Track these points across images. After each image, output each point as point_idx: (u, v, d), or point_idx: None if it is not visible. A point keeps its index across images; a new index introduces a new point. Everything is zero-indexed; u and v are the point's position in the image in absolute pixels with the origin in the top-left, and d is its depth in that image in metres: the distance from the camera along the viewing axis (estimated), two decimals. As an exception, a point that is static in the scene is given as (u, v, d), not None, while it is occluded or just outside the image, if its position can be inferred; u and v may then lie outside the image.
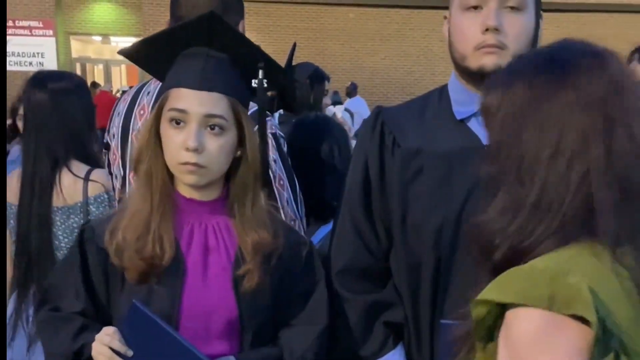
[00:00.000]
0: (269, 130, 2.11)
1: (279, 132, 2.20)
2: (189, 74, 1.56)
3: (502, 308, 1.05)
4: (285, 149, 2.22)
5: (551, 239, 1.08)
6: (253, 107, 2.16)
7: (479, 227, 1.17)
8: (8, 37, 18.37)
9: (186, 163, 1.53)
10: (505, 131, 1.15)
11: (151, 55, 1.66)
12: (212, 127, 1.55)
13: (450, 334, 1.39)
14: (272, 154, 2.11)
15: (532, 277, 1.02)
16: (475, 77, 1.68)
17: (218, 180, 1.62)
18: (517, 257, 1.09)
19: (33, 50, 18.51)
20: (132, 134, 2.12)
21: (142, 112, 2.11)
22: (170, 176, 1.61)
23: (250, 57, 1.63)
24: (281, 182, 2.12)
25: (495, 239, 1.13)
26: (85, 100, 2.70)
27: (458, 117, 1.73)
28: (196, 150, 1.52)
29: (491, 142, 1.21)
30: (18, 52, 18.38)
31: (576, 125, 1.08)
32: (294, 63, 4.07)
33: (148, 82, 2.19)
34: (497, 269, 1.11)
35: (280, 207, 2.10)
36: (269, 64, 1.66)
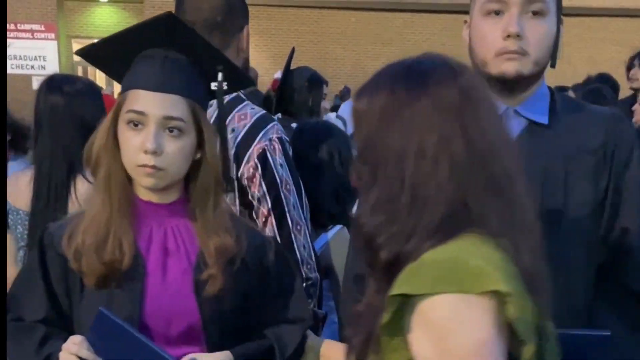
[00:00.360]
0: (274, 135, 2.12)
1: (284, 136, 2.20)
2: (147, 76, 1.54)
3: (407, 302, 1.14)
4: (290, 153, 2.22)
5: (435, 235, 1.16)
6: (259, 112, 2.16)
7: (360, 227, 1.24)
8: (10, 41, 18.40)
9: (144, 165, 1.52)
10: (372, 135, 1.24)
11: (109, 56, 1.64)
12: (170, 130, 1.53)
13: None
14: (279, 158, 2.11)
15: (437, 267, 1.12)
16: (495, 82, 1.67)
17: (177, 182, 1.61)
18: (405, 255, 1.17)
19: (35, 54, 18.52)
20: None
21: None
22: (129, 179, 1.59)
23: (210, 59, 1.62)
24: (287, 187, 2.12)
25: (377, 237, 1.20)
26: (99, 103, 2.69)
27: None
28: (155, 153, 1.50)
29: (360, 145, 1.29)
30: (20, 56, 18.38)
31: (435, 128, 1.19)
32: (294, 67, 4.08)
33: None
34: (388, 268, 1.19)
35: (287, 212, 2.10)
36: (229, 67, 1.65)
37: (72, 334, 1.54)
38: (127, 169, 1.56)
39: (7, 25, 18.47)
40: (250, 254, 1.65)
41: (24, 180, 2.58)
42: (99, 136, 1.57)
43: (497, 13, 1.65)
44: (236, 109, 2.12)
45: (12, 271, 2.78)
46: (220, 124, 1.68)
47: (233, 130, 2.07)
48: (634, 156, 1.71)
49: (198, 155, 1.60)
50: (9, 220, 2.64)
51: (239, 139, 2.07)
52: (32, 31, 18.61)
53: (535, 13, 1.64)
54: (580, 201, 1.66)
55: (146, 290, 1.55)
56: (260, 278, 1.68)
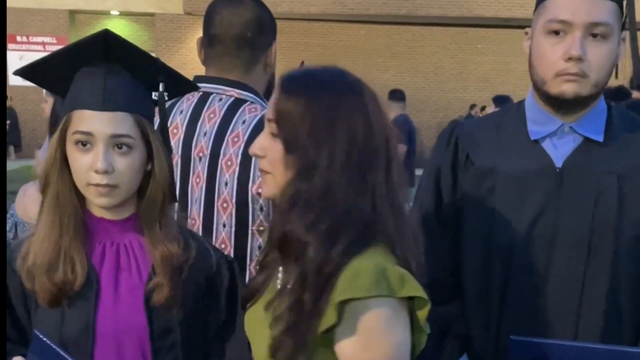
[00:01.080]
0: None
1: None
2: (90, 94, 1.52)
3: (345, 306, 1.23)
4: None
5: (357, 244, 1.25)
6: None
7: (289, 235, 1.29)
8: (21, 53, 18.58)
9: (97, 185, 1.51)
10: (298, 142, 1.31)
11: (49, 75, 1.62)
12: (119, 147, 1.51)
13: (521, 349, 1.50)
14: None
15: (369, 273, 1.22)
16: (553, 101, 1.69)
17: (130, 198, 1.60)
18: (330, 262, 1.24)
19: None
20: (222, 159, 2.09)
21: (175, 130, 2.10)
22: (79, 196, 1.58)
23: (151, 70, 1.60)
24: None
25: (306, 247, 1.26)
26: None
27: (532, 138, 1.74)
28: (106, 172, 1.49)
29: (286, 147, 1.33)
30: (31, 68, 18.58)
31: (360, 148, 1.29)
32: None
33: (180, 99, 2.18)
34: (319, 271, 1.26)
35: None
36: (170, 76, 1.64)
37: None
38: (79, 187, 1.55)
39: (20, 37, 18.66)
40: (199, 264, 1.65)
41: (31, 193, 2.60)
42: (48, 156, 1.56)
43: (558, 33, 1.65)
44: None
45: None
46: (163, 134, 1.65)
47: None
48: None
49: (149, 167, 1.60)
50: (18, 232, 2.65)
51: None
52: (44, 44, 18.79)
53: (597, 36, 1.63)
54: (634, 219, 1.65)
55: (98, 308, 1.54)
56: (208, 291, 1.68)
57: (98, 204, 1.55)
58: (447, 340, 1.83)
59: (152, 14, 19.13)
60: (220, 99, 2.16)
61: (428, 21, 18.82)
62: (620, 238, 1.63)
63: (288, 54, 18.66)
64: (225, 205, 2.08)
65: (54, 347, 1.45)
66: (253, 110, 2.13)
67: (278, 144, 1.34)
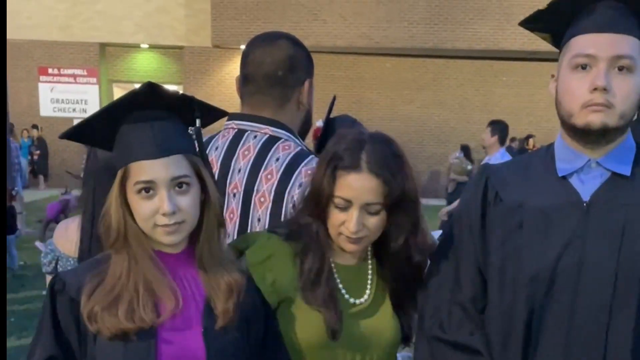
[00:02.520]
0: None
1: None
2: (143, 145, 1.60)
3: None
4: None
5: None
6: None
7: None
8: (52, 85, 18.95)
9: (165, 225, 1.59)
10: None
11: (93, 133, 1.70)
12: (179, 186, 1.60)
13: None
14: None
15: None
16: (580, 134, 1.71)
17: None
18: None
19: (76, 97, 19.04)
20: (255, 196, 2.14)
21: (269, 176, 2.13)
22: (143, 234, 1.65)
23: (187, 107, 1.68)
24: None
25: None
26: None
27: (560, 174, 1.77)
28: (173, 213, 1.58)
29: None
30: (62, 99, 18.92)
31: None
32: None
33: (215, 135, 2.23)
34: None
35: None
36: (206, 109, 1.72)
37: None
38: (144, 230, 1.63)
39: (51, 69, 19.03)
40: (250, 291, 1.73)
41: (72, 228, 2.65)
42: (114, 212, 1.63)
43: (584, 67, 1.69)
44: (302, 164, 2.14)
45: None
46: (205, 165, 1.72)
47: (301, 185, 2.10)
48: None
49: (203, 198, 1.67)
50: (59, 266, 2.71)
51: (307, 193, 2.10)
52: (74, 75, 19.15)
53: (622, 68, 1.67)
54: None
55: (159, 340, 1.60)
56: (250, 313, 1.74)
57: (166, 242, 1.64)
58: None
59: (181, 47, 19.43)
60: (255, 136, 2.20)
61: (453, 54, 18.89)
62: None
63: (315, 85, 18.73)
64: None
65: None
66: (286, 147, 2.17)
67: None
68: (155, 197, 1.59)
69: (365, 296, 1.90)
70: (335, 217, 1.81)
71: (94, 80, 19.26)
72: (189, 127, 1.71)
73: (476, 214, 1.85)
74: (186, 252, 1.69)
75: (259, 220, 2.12)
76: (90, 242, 2.53)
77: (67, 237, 2.67)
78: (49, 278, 2.76)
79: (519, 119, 18.06)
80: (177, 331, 1.62)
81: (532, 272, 1.70)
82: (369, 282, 1.92)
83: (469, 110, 19.72)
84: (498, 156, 7.50)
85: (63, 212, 9.83)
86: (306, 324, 1.82)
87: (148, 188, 1.59)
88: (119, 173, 1.63)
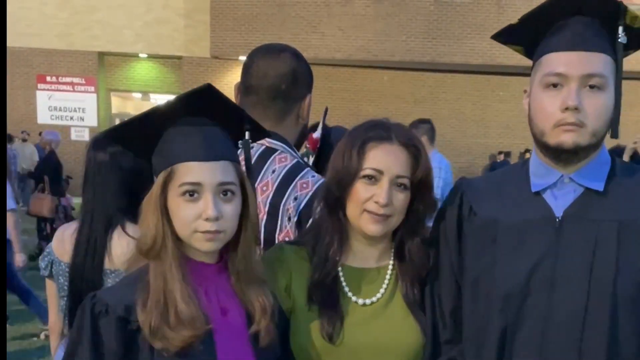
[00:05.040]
0: None
1: None
2: (192, 147, 1.58)
3: None
4: None
5: None
6: (320, 179, 2.16)
7: None
8: (50, 92, 18.93)
9: (206, 232, 1.56)
10: None
11: (136, 134, 1.66)
12: (224, 193, 1.58)
13: None
14: None
15: None
16: (553, 152, 1.72)
17: None
18: None
19: (74, 106, 19.01)
20: None
21: (265, 188, 2.14)
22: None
23: (236, 119, 1.69)
24: None
25: None
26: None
27: (533, 190, 1.77)
28: (216, 219, 1.56)
29: None
30: (60, 107, 18.89)
31: None
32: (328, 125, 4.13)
33: (272, 158, 2.20)
34: None
35: None
36: (253, 125, 1.73)
37: None
38: (183, 236, 1.59)
39: (49, 77, 19.04)
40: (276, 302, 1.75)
41: (68, 233, 2.66)
42: (152, 216, 1.58)
43: (556, 86, 1.69)
44: (298, 177, 2.15)
45: (53, 317, 2.86)
46: (250, 178, 1.72)
47: (296, 198, 2.11)
48: None
49: (242, 211, 1.65)
50: (52, 270, 2.71)
51: (301, 206, 2.10)
52: (72, 84, 19.14)
53: (593, 87, 1.67)
54: (633, 269, 1.65)
55: (217, 351, 1.59)
56: (280, 323, 1.77)
57: (205, 250, 1.61)
58: None
59: (179, 57, 19.45)
60: (252, 147, 2.21)
61: (451, 68, 18.94)
62: (619, 286, 1.63)
63: (312, 97, 18.77)
64: None
65: None
66: (283, 160, 2.18)
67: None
68: (200, 200, 1.56)
69: (379, 294, 1.87)
70: (362, 192, 1.80)
71: (92, 89, 19.25)
72: (239, 141, 1.70)
73: (451, 227, 1.87)
74: (222, 263, 1.68)
75: None
76: (88, 249, 2.53)
77: (62, 242, 2.68)
78: (48, 281, 2.80)
79: (515, 133, 18.08)
80: (231, 343, 1.61)
81: (505, 288, 1.71)
82: (385, 282, 1.88)
83: (466, 124, 19.74)
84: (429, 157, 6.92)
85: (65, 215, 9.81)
86: (307, 328, 1.82)
87: (193, 191, 1.56)
88: (162, 175, 1.58)
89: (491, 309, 1.74)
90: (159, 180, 1.59)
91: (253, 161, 2.14)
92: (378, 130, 1.83)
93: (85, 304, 1.57)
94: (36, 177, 10.57)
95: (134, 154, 1.74)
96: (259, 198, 2.11)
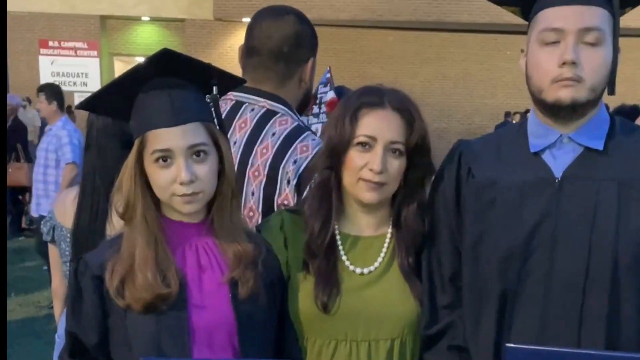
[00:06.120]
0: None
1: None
2: (160, 113, 1.59)
3: None
4: None
5: None
6: (320, 142, 2.13)
7: None
8: (53, 58, 18.83)
9: (183, 195, 1.59)
10: None
11: (111, 102, 1.69)
12: (197, 155, 1.60)
13: (517, 357, 1.50)
14: None
15: None
16: (551, 110, 1.70)
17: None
18: None
19: (77, 71, 18.93)
20: (249, 169, 2.14)
21: (264, 150, 2.13)
22: (155, 205, 1.66)
23: (204, 75, 1.67)
24: None
25: None
26: None
27: (532, 150, 1.76)
28: (190, 182, 1.58)
29: None
30: (63, 72, 18.81)
31: None
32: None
33: (273, 121, 2.19)
34: None
35: None
36: (223, 77, 1.71)
37: (108, 354, 1.63)
38: (162, 199, 1.63)
39: (51, 42, 18.93)
40: (270, 261, 1.74)
41: (69, 198, 2.67)
42: (126, 182, 1.63)
43: (554, 42, 1.67)
44: (298, 140, 2.14)
45: (57, 282, 2.91)
46: (223, 133, 1.72)
47: (295, 161, 2.10)
48: None
49: (220, 168, 1.67)
50: (55, 235, 2.71)
51: (301, 169, 2.09)
52: (75, 49, 19.03)
53: (591, 41, 1.65)
54: (634, 228, 1.64)
55: (189, 307, 1.61)
56: (274, 285, 1.76)
57: (184, 212, 1.64)
58: (440, 349, 1.84)
59: (182, 20, 19.29)
60: (252, 109, 2.20)
61: (457, 27, 18.75)
62: (620, 245, 1.62)
63: (318, 59, 18.68)
64: (251, 214, 2.13)
65: None
66: (283, 122, 2.17)
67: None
68: (173, 165, 1.59)
69: (376, 263, 1.86)
70: (357, 160, 1.79)
71: (95, 53, 19.14)
72: (206, 95, 1.69)
73: (450, 190, 1.85)
74: (205, 222, 1.70)
75: (252, 194, 2.12)
76: (91, 214, 2.53)
77: (64, 207, 2.69)
78: (50, 246, 2.81)
79: (523, 94, 17.49)
80: (206, 299, 1.63)
81: (505, 249, 1.70)
82: (384, 251, 1.88)
83: (473, 84, 19.63)
84: (60, 125, 6.60)
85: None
86: (302, 295, 1.82)
87: (165, 157, 1.58)
88: (136, 142, 1.62)
89: (491, 272, 1.73)
90: (133, 148, 1.63)
91: (254, 123, 2.16)
92: (370, 97, 1.81)
93: (74, 264, 1.67)
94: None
95: (117, 119, 1.79)
96: (259, 160, 2.11)
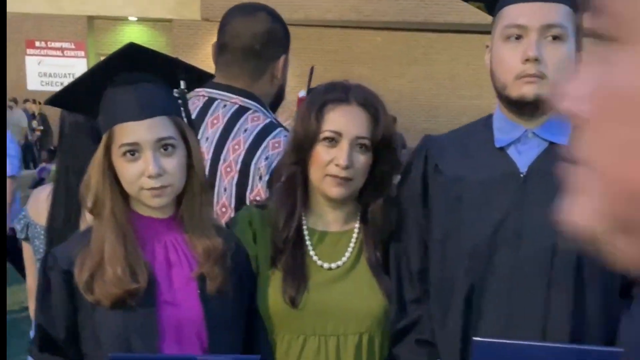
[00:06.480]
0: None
1: None
2: (127, 107, 1.60)
3: None
4: None
5: None
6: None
7: None
8: (40, 58, 18.75)
9: (151, 188, 1.60)
10: None
11: (79, 98, 1.70)
12: (165, 148, 1.61)
13: (485, 351, 1.52)
14: None
15: None
16: (515, 106, 1.72)
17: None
18: None
19: (64, 71, 18.84)
20: (221, 165, 2.14)
21: (236, 146, 2.14)
22: (124, 200, 1.66)
23: (171, 69, 1.68)
24: None
25: None
26: None
27: (497, 145, 1.77)
28: (159, 176, 1.59)
29: None
30: (50, 73, 18.72)
31: None
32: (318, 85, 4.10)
33: (245, 117, 2.20)
34: None
35: None
36: (191, 71, 1.72)
37: (79, 349, 1.64)
38: (131, 193, 1.64)
39: (38, 42, 18.83)
40: (239, 255, 1.75)
41: (43, 196, 2.65)
42: (94, 175, 1.63)
43: (517, 38, 1.68)
44: (270, 136, 2.15)
45: (31, 279, 2.85)
46: (190, 128, 1.72)
47: (267, 157, 2.11)
48: None
49: (189, 162, 1.68)
50: (29, 233, 2.71)
51: (273, 165, 2.09)
52: (62, 49, 18.96)
53: (554, 38, 1.67)
54: None
55: (158, 305, 1.62)
56: (243, 279, 1.77)
57: (153, 205, 1.64)
58: (407, 344, 1.85)
59: (169, 20, 19.23)
60: (225, 106, 2.21)
61: (444, 28, 18.78)
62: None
63: (303, 60, 18.64)
64: (224, 210, 2.14)
65: (139, 356, 1.58)
66: (255, 119, 2.18)
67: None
68: (140, 159, 1.59)
69: (344, 258, 1.87)
70: (323, 155, 1.79)
71: (82, 53, 19.07)
72: (174, 90, 1.70)
73: (417, 186, 1.86)
74: (174, 217, 1.70)
75: (225, 190, 2.13)
76: (66, 211, 2.53)
77: (37, 204, 2.68)
78: (24, 244, 2.78)
79: None
80: (175, 295, 1.64)
81: (471, 245, 1.71)
82: (351, 246, 1.88)
83: (459, 84, 19.66)
84: None
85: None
86: (271, 291, 1.82)
87: (133, 150, 1.59)
88: (104, 137, 1.63)
89: (458, 267, 1.74)
90: (101, 142, 1.63)
91: (226, 120, 2.18)
92: (336, 92, 1.82)
93: (43, 258, 1.68)
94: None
95: (86, 115, 1.79)
96: (231, 157, 2.12)
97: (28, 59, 18.85)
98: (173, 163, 1.61)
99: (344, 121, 1.79)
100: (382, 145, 1.82)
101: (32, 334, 2.80)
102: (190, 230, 1.68)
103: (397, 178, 1.94)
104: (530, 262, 1.66)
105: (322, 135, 1.79)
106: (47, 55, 18.91)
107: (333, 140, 1.78)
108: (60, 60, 18.96)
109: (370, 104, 1.82)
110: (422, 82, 19.54)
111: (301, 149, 1.82)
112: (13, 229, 2.79)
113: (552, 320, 1.66)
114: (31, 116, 18.39)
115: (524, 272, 1.67)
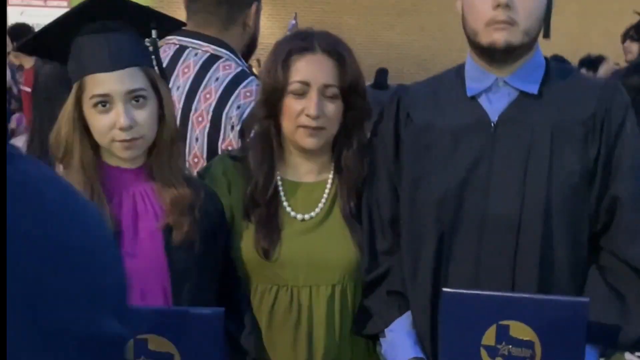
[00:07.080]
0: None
1: None
2: (97, 58, 1.58)
3: None
4: None
5: None
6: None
7: None
8: (21, 8, 18.45)
9: (123, 140, 1.59)
10: None
11: (49, 45, 1.67)
12: (136, 100, 1.59)
13: (454, 302, 1.55)
14: None
15: None
16: (487, 53, 1.71)
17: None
18: None
19: (47, 21, 18.50)
20: (193, 114, 2.11)
21: (208, 95, 2.11)
22: (94, 150, 1.65)
23: (143, 18, 1.65)
24: None
25: None
26: None
27: (469, 94, 1.76)
28: (130, 127, 1.57)
29: None
30: (32, 23, 18.44)
31: None
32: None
33: (216, 66, 2.18)
34: None
35: None
36: (163, 20, 1.70)
37: None
38: (102, 144, 1.62)
39: (21, -8, 18.53)
40: (209, 206, 1.72)
41: (18, 146, 2.63)
42: (65, 125, 1.62)
43: None
44: (242, 85, 2.12)
45: None
46: (163, 79, 1.70)
47: (239, 107, 2.09)
48: (626, 127, 1.69)
49: (160, 113, 1.66)
50: None
51: (244, 114, 2.07)
52: (45, -1, 18.65)
53: None
54: (566, 171, 1.66)
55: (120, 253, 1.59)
56: (216, 231, 1.75)
57: (125, 157, 1.63)
58: (379, 295, 1.85)
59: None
60: (196, 54, 2.18)
61: (434, -22, 18.58)
62: (553, 189, 1.65)
63: (291, 11, 18.43)
64: (196, 160, 2.12)
65: None
66: (227, 67, 2.15)
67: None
68: (112, 111, 1.58)
69: (317, 209, 1.86)
70: (293, 107, 1.78)
71: (65, 3, 18.73)
72: (146, 39, 1.67)
73: (388, 134, 1.85)
74: (144, 167, 1.69)
75: (197, 140, 2.11)
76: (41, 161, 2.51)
77: None
78: None
79: None
80: (139, 246, 1.63)
81: (440, 193, 1.71)
82: (324, 197, 1.88)
83: (451, 36, 19.35)
84: None
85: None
86: (244, 242, 1.82)
87: (104, 102, 1.57)
88: (75, 86, 1.61)
89: (428, 216, 1.74)
90: (72, 92, 1.61)
91: (197, 68, 2.14)
92: (300, 41, 1.80)
93: None
94: None
95: (57, 62, 1.76)
96: (202, 106, 2.09)
97: (10, 10, 18.56)
98: (144, 115, 1.60)
99: (311, 70, 1.77)
100: (350, 92, 1.80)
101: None
102: (159, 181, 1.67)
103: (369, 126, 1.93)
104: (498, 210, 1.67)
105: (290, 87, 1.77)
106: (29, 4, 18.61)
107: (301, 91, 1.76)
108: (43, 10, 18.67)
109: (335, 50, 1.80)
110: (412, 34, 19.38)
111: (271, 102, 1.80)
112: None
113: (520, 269, 1.67)
114: (16, 70, 18.22)
115: (492, 221, 1.67)
